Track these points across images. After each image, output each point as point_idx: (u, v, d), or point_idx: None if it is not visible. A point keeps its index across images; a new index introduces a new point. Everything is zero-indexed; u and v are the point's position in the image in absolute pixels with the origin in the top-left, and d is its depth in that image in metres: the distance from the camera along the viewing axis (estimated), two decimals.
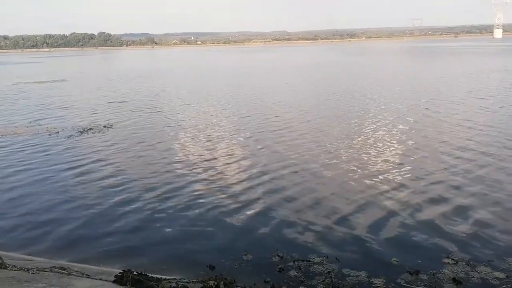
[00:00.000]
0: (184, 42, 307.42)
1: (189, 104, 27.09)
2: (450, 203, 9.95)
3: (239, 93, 32.45)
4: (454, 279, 6.67)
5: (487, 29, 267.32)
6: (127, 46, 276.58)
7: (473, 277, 6.83)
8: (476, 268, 7.07)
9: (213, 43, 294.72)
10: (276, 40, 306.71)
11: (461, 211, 9.51)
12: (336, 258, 7.58)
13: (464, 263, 7.25)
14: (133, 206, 10.32)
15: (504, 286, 6.53)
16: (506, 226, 8.63)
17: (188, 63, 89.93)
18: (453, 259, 7.39)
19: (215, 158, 14.25)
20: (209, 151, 15.14)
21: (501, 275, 6.83)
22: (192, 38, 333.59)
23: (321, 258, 7.57)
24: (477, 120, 19.05)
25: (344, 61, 72.45)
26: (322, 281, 6.87)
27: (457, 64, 57.02)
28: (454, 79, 36.94)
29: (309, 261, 7.50)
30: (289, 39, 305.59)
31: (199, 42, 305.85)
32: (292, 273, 7.13)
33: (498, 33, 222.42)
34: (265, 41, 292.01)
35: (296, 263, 7.45)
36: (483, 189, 10.71)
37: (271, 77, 47.71)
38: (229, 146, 15.86)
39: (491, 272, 6.92)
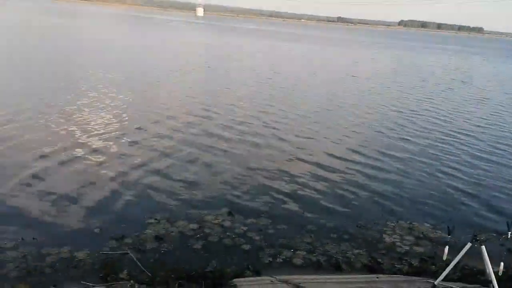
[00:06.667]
0: None
1: None
2: (154, 168, 10.61)
3: None
4: (156, 237, 7.32)
5: (192, 7, 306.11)
6: None
7: (172, 232, 7.55)
8: (175, 224, 7.84)
9: None
10: None
11: (162, 175, 10.22)
12: (34, 239, 6.98)
13: (165, 221, 7.93)
14: None
15: (197, 235, 7.50)
16: (201, 185, 9.83)
17: None
18: (155, 219, 7.98)
19: None
20: None
21: (195, 226, 7.82)
22: None
23: (14, 242, 6.82)
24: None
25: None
26: (16, 267, 6.24)
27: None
28: None
29: None
30: None
31: None
32: None
33: (200, 12, 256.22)
34: None
35: None
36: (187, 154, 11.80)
37: None
38: None
39: (187, 225, 7.81)
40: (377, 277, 6.59)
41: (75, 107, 15.91)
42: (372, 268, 6.98)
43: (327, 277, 6.52)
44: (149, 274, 6.07)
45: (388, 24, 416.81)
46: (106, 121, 14.47)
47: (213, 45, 54.66)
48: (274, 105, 19.54)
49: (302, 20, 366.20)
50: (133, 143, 12.44)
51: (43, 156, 10.70)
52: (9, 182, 9.04)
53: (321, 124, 16.67)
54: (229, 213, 8.41)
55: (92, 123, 14.14)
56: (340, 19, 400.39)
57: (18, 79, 20.24)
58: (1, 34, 41.25)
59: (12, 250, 6.60)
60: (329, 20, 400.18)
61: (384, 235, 8.14)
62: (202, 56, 39.76)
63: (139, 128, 13.94)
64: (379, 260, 7.24)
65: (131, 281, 5.65)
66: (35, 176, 9.47)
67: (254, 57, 42.35)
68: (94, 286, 5.62)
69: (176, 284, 5.73)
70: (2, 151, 10.91)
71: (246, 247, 7.27)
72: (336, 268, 6.93)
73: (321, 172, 11.30)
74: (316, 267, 6.87)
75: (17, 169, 9.76)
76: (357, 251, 7.48)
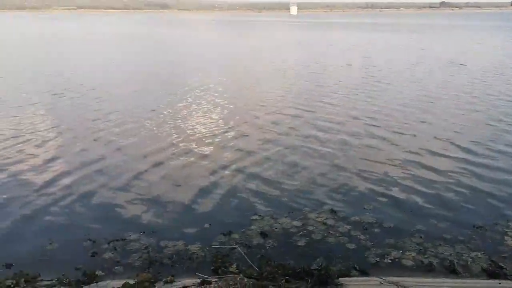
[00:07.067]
0: None
1: None
2: (251, 167, 10.92)
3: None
4: (261, 233, 7.54)
5: (285, 6, 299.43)
6: None
7: (276, 228, 7.71)
8: (278, 221, 7.99)
9: (4, 10, 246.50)
10: (82, 8, 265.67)
11: (260, 173, 10.48)
12: (153, 232, 7.58)
13: (269, 217, 8.11)
14: None
15: (301, 232, 7.55)
16: (302, 183, 9.91)
17: None
18: (259, 216, 8.20)
19: None
20: None
21: (298, 223, 7.87)
22: None
23: (137, 235, 7.52)
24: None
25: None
26: (140, 257, 6.83)
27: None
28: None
29: (125, 239, 7.38)
30: (96, 7, 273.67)
31: None
32: (107, 255, 6.95)
33: (293, 10, 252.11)
34: (69, 8, 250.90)
35: (110, 244, 7.24)
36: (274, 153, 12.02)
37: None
38: None
39: (290, 222, 7.90)
40: (500, 283, 6.04)
41: (171, 110, 17.09)
42: (493, 272, 6.40)
43: (441, 280, 6.14)
44: (256, 269, 6.29)
45: (498, 6, 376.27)
46: (204, 123, 15.34)
47: (306, 42, 54.55)
48: (370, 100, 18.90)
49: (401, 9, 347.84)
50: (231, 143, 13.00)
51: (149, 159, 11.61)
52: (126, 183, 10.01)
53: (423, 119, 15.67)
54: (332, 211, 8.34)
55: (190, 125, 15.10)
56: (443, 4, 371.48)
57: (131, 86, 22.23)
58: (125, 44, 46.04)
59: (135, 242, 7.32)
60: (431, 6, 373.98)
61: (506, 237, 7.44)
62: (296, 54, 39.90)
63: (235, 129, 14.53)
64: (501, 264, 6.62)
65: (241, 275, 5.89)
66: (144, 177, 10.34)
67: (348, 52, 41.33)
68: (207, 278, 5.97)
69: (283, 280, 5.83)
70: (116, 150, 12.17)
71: (351, 246, 7.15)
72: (451, 271, 6.48)
73: (425, 170, 10.65)
74: (428, 270, 6.50)
75: (128, 169, 10.81)
76: (474, 253, 6.94)
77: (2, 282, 5.65)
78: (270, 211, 8.42)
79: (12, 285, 5.61)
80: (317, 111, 16.84)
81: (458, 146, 12.43)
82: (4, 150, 12.14)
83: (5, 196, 9.18)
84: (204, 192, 9.45)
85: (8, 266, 6.53)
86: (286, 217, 8.15)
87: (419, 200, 8.97)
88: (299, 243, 7.24)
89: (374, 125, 14.73)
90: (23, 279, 5.85)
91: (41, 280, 6.05)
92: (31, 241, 7.40)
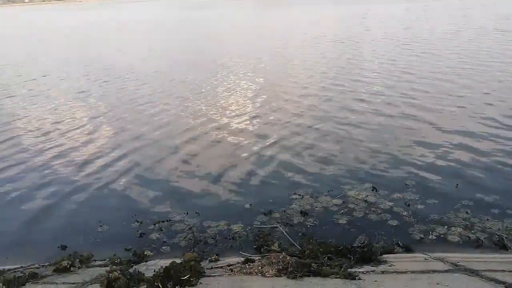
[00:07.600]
0: (9, 1, 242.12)
1: None
2: (289, 146, 10.96)
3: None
4: (301, 212, 7.55)
5: None
6: None
7: (317, 207, 7.69)
8: (318, 199, 7.97)
9: (44, 1, 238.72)
10: None
11: (298, 152, 10.48)
12: (196, 213, 7.75)
13: (308, 196, 8.10)
14: None
15: (342, 210, 7.50)
16: (340, 160, 9.80)
17: None
18: (299, 195, 8.20)
19: None
20: None
21: (339, 201, 7.81)
22: None
23: (181, 216, 7.71)
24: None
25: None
26: (185, 237, 7.00)
27: None
28: None
29: (170, 220, 7.58)
30: None
31: (27, 0, 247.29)
32: (154, 235, 7.16)
33: None
34: None
35: (157, 225, 7.45)
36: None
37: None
38: None
39: (331, 200, 7.85)
40: None
41: (204, 91, 17.31)
42: None
43: (490, 256, 5.96)
44: (298, 247, 6.34)
45: None
46: (240, 103, 15.47)
47: (340, 17, 53.07)
48: (411, 71, 18.29)
49: None
50: (265, 122, 13.03)
51: (188, 140, 11.86)
52: (168, 165, 10.28)
53: (463, 92, 14.98)
54: (373, 188, 8.24)
55: (223, 105, 15.28)
56: None
57: (167, 71, 22.63)
58: (162, 31, 46.64)
59: (179, 222, 7.54)
60: None
61: None
62: (331, 29, 38.94)
63: (270, 107, 14.52)
64: None
65: (283, 253, 5.94)
66: (185, 159, 10.60)
67: (386, 24, 39.87)
68: (250, 256, 6.08)
69: (325, 258, 5.85)
70: (155, 137, 12.39)
71: (394, 222, 7.05)
72: (501, 247, 6.28)
73: (468, 146, 10.21)
74: (476, 246, 6.33)
75: (171, 153, 11.05)
76: None
77: (59, 263, 5.98)
78: (310, 190, 8.42)
79: (68, 266, 5.92)
80: (356, 86, 16.54)
81: (501, 120, 11.83)
82: (48, 135, 12.88)
83: (51, 182, 9.70)
84: (240, 173, 9.54)
85: (63, 247, 6.93)
86: (326, 195, 8.13)
87: (463, 175, 8.69)
88: (340, 221, 7.22)
89: (415, 98, 14.36)
90: (77, 260, 6.15)
91: (94, 260, 6.37)
92: (81, 224, 7.77)
